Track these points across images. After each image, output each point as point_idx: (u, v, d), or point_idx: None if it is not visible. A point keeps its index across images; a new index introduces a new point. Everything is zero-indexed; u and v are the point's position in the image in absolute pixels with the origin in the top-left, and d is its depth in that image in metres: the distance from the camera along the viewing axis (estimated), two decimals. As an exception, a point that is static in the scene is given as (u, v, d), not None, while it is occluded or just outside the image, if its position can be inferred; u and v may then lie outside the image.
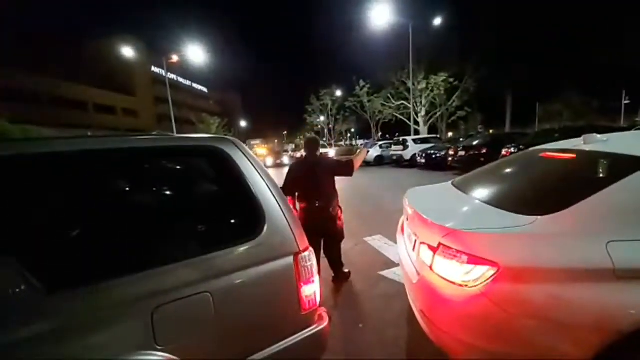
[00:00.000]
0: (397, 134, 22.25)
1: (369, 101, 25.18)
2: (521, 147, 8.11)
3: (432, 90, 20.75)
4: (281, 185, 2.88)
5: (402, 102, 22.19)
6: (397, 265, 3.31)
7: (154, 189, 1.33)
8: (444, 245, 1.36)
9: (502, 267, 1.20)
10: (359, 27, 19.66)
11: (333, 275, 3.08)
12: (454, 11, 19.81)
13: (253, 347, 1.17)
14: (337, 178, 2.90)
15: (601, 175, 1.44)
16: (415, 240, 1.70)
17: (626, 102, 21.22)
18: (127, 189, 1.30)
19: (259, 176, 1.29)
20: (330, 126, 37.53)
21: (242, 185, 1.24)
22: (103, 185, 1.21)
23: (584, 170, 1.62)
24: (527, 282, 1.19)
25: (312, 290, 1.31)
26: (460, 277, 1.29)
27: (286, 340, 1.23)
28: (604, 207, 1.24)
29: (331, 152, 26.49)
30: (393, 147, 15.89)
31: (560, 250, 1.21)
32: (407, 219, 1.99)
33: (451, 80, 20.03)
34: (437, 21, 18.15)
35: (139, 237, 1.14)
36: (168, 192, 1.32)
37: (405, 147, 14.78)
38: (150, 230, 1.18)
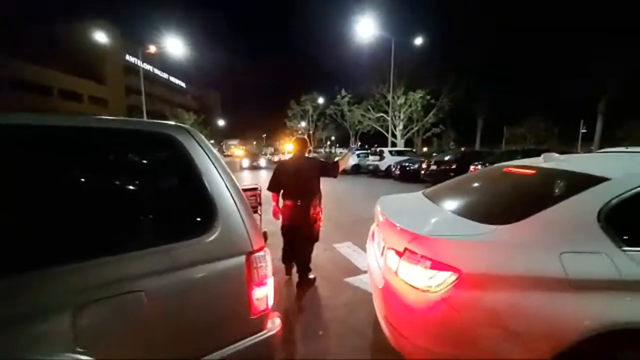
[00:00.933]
0: (376, 145, 22.71)
1: (349, 111, 25.58)
2: (487, 164, 8.60)
3: (410, 106, 21.51)
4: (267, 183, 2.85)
5: (382, 114, 22.78)
6: (364, 272, 3.28)
7: (91, 174, 1.18)
8: (409, 250, 1.37)
9: (463, 273, 1.21)
10: (343, 37, 20.14)
11: (297, 280, 2.98)
12: (434, 32, 20.92)
13: (193, 352, 1.05)
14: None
15: (557, 190, 1.50)
16: (384, 246, 1.70)
17: (583, 131, 23.27)
18: (59, 172, 1.14)
19: (214, 170, 1.18)
20: (311, 132, 37.65)
21: (194, 177, 1.13)
22: (31, 166, 1.04)
23: (542, 185, 1.69)
24: (486, 289, 1.21)
25: (264, 293, 1.21)
26: (424, 282, 1.29)
27: (232, 346, 1.12)
28: (558, 220, 1.28)
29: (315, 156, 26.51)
30: (370, 157, 16.17)
31: (517, 259, 1.23)
32: (378, 226, 1.99)
33: (428, 97, 20.91)
34: (418, 40, 18.94)
35: (65, 226, 0.99)
36: (106, 179, 1.16)
37: (382, 158, 15.10)
38: (80, 218, 1.02)
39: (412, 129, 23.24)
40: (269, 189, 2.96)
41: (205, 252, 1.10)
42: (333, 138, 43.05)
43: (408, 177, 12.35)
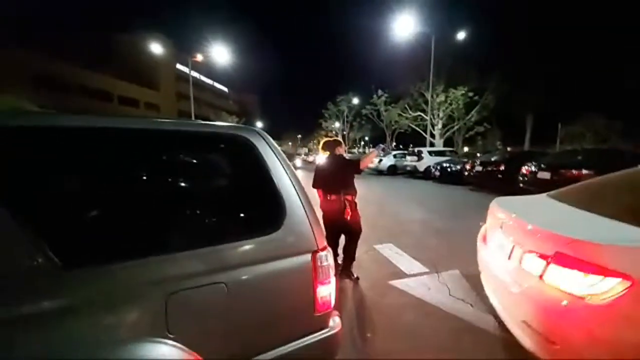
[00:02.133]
0: (411, 145, 21.98)
1: (385, 110, 25.03)
2: (542, 165, 7.87)
3: (450, 104, 20.45)
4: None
5: (420, 113, 21.97)
6: (409, 276, 3.21)
7: (174, 174, 1.31)
8: (563, 255, 1.33)
9: (636, 281, 1.16)
10: (381, 35, 19.71)
11: (340, 270, 3.16)
12: (477, 25, 19.58)
13: (264, 345, 1.13)
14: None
15: None
16: (513, 249, 1.70)
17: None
18: (147, 172, 1.28)
19: (282, 170, 1.25)
20: (345, 132, 37.58)
21: (265, 177, 1.21)
22: (123, 166, 1.19)
23: None
24: None
25: (327, 291, 1.25)
26: (582, 288, 1.25)
27: (298, 341, 1.18)
28: None
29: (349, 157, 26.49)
30: (407, 158, 15.69)
31: None
32: (502, 227, 1.95)
33: (470, 94, 19.71)
34: (460, 35, 17.94)
35: (156, 222, 1.12)
36: (188, 179, 1.29)
37: (420, 159, 14.56)
38: (168, 215, 1.15)
39: (453, 127, 22.08)
40: (313, 186, 3.22)
41: (276, 249, 1.17)
42: (367, 138, 42.52)
43: (449, 178, 11.77)
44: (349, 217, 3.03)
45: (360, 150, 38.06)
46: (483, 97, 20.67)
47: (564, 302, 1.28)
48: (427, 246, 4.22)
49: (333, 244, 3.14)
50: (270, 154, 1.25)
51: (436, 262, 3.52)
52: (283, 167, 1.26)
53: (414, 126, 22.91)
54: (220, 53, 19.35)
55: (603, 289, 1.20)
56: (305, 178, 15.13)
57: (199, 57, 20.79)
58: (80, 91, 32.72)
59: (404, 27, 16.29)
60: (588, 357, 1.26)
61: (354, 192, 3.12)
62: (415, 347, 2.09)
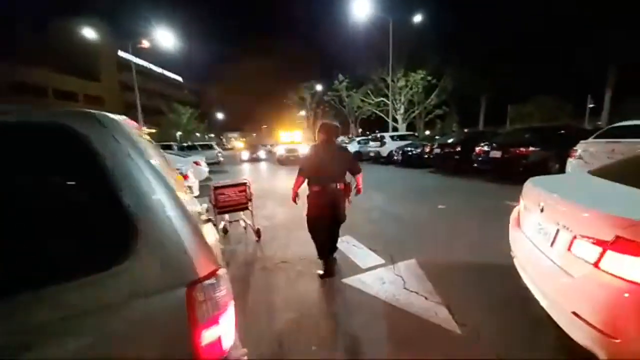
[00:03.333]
0: (377, 131, 22.21)
1: (348, 96, 24.84)
2: (494, 144, 8.17)
3: (411, 88, 20.77)
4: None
5: (382, 98, 22.10)
6: (363, 270, 3.01)
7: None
8: (624, 239, 1.19)
9: None
10: (339, 20, 19.26)
11: (322, 272, 2.91)
12: (434, 9, 19.86)
13: None
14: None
15: None
16: (557, 234, 1.56)
17: (591, 105, 22.39)
18: None
19: (137, 171, 0.87)
20: (311, 121, 36.95)
21: (101, 183, 0.82)
22: None
23: None
24: None
25: (217, 333, 0.91)
26: None
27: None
28: None
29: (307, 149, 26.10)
30: (371, 144, 15.73)
31: None
32: (543, 210, 1.76)
33: (429, 78, 20.15)
34: (417, 18, 18.07)
35: None
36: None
37: (383, 144, 14.66)
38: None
39: (414, 112, 22.57)
40: (300, 174, 2.92)
41: (120, 289, 0.80)
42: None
43: (410, 162, 11.96)
44: (348, 204, 2.98)
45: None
46: (441, 81, 21.26)
47: (626, 293, 1.15)
48: (386, 235, 4.07)
49: (325, 238, 2.96)
50: (116, 148, 0.86)
51: (393, 252, 3.37)
52: (139, 166, 0.88)
53: (377, 112, 23.05)
54: (168, 38, 17.60)
55: None
56: (269, 171, 14.50)
57: (144, 43, 18.80)
58: (10, 87, 28.67)
59: (363, 10, 15.99)
60: None
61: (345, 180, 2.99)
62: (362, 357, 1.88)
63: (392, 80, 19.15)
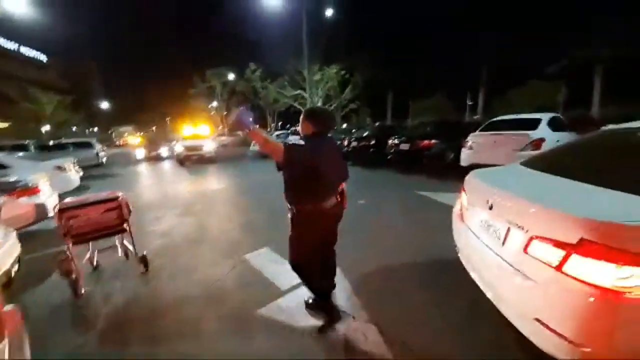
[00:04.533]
0: (296, 124, 21.91)
1: (263, 88, 23.70)
2: (402, 138, 8.77)
3: (326, 82, 21.15)
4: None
5: (299, 91, 21.87)
6: (283, 293, 2.51)
7: None
8: (591, 242, 1.12)
9: None
10: (253, 7, 17.89)
11: (309, 300, 2.24)
12: (343, 6, 20.49)
13: None
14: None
15: None
16: (508, 232, 1.50)
17: (470, 103, 27.08)
18: None
19: None
20: (225, 113, 33.96)
21: None
22: None
23: None
24: None
25: None
26: (616, 281, 1.07)
27: None
28: None
29: (226, 142, 24.01)
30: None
31: None
32: (491, 207, 1.69)
33: (343, 73, 20.87)
34: (329, 12, 18.24)
35: None
36: None
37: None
38: None
39: (331, 105, 23.15)
40: (292, 190, 2.01)
41: None
42: (251, 119, 40.18)
43: (330, 155, 12.03)
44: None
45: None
46: (354, 76, 22.32)
47: (593, 298, 1.09)
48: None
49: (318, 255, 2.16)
50: None
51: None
52: None
53: (295, 104, 22.75)
54: (19, 2, 13.11)
55: None
56: (172, 173, 12.38)
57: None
58: None
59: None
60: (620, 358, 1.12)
61: None
62: None
63: (308, 73, 19.05)
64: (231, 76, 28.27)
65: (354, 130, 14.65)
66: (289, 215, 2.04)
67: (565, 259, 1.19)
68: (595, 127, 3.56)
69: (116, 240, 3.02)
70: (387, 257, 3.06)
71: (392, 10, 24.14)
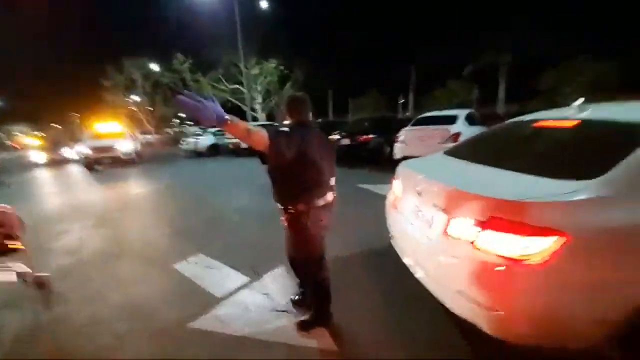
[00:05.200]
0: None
1: (195, 81, 21.74)
2: (343, 133, 9.03)
3: (265, 77, 20.54)
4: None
5: (237, 86, 20.78)
6: (220, 300, 2.30)
7: None
8: (497, 218, 1.27)
9: (571, 236, 1.14)
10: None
11: (306, 319, 1.95)
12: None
13: None
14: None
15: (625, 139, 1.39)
16: (434, 215, 1.62)
17: (402, 101, 29.40)
18: None
19: None
20: (150, 108, 30.26)
21: None
22: None
23: (595, 137, 1.61)
24: (597, 251, 1.17)
25: None
26: (518, 251, 1.20)
27: None
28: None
29: (152, 140, 21.50)
30: (229, 135, 14.47)
31: (623, 213, 1.18)
32: (420, 194, 1.80)
33: (282, 68, 20.52)
34: (264, 4, 17.67)
35: None
36: None
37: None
38: None
39: (272, 101, 22.62)
40: (281, 193, 1.78)
41: None
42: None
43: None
44: None
45: (177, 129, 32.24)
46: (294, 72, 22.10)
47: (502, 267, 1.23)
48: (248, 242, 3.44)
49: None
50: None
51: (257, 262, 2.81)
52: None
53: (233, 100, 21.58)
54: None
55: (539, 248, 1.16)
56: (80, 178, 10.52)
57: None
58: None
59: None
60: (533, 319, 1.26)
61: None
62: None
63: (246, 67, 18.22)
64: (155, 67, 24.93)
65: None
66: (283, 219, 1.82)
67: (477, 234, 1.33)
68: (501, 120, 4.11)
69: (7, 262, 2.40)
70: (329, 250, 3.06)
71: (328, 10, 24.70)
